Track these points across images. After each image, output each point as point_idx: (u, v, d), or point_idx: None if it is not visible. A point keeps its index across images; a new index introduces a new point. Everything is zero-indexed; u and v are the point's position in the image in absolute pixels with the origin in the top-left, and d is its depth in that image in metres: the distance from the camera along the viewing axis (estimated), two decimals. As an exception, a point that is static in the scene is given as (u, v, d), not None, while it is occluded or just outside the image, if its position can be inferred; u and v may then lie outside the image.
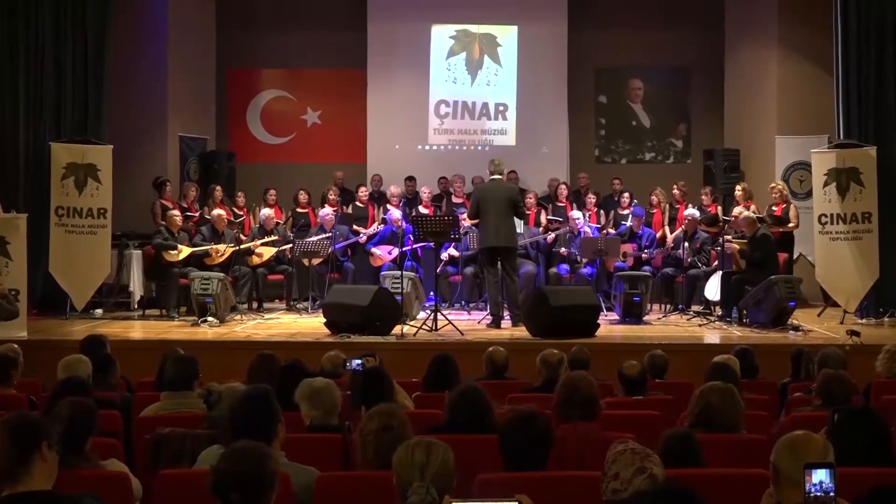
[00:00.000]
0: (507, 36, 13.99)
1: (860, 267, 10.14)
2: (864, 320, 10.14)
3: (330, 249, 11.11)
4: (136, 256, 11.16)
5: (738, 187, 11.41)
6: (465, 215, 11.45)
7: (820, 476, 2.75)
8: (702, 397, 4.23)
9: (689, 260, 10.82)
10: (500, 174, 9.86)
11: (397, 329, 8.95)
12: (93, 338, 6.51)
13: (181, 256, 10.55)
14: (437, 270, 10.83)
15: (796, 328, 9.26)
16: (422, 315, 9.93)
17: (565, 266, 11.32)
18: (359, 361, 5.14)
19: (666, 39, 14.05)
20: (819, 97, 11.78)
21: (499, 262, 9.67)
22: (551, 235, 11.44)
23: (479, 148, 13.95)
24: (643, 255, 11.28)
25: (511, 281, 9.66)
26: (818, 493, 2.74)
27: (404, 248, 10.72)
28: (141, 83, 12.38)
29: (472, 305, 11.27)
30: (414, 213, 11.47)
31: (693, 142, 14.20)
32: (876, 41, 10.49)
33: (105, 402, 4.77)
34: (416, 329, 9.06)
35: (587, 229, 11.43)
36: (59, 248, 10.28)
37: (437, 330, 9.02)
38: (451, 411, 4.30)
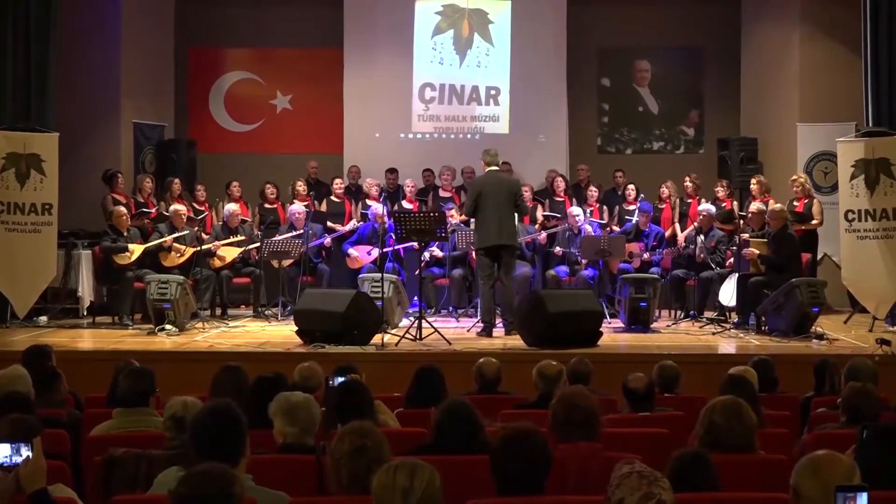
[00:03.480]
0: (499, 12, 13.99)
1: (891, 268, 10.18)
2: (895, 328, 10.19)
3: (302, 249, 11.10)
4: (85, 257, 11.12)
5: (752, 180, 11.46)
6: (452, 211, 11.41)
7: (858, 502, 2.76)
8: (706, 415, 4.28)
9: (701, 256, 10.82)
10: (497, 165, 9.88)
11: (377, 338, 8.96)
12: (36, 348, 6.48)
13: (134, 257, 10.53)
14: (417, 273, 10.75)
15: (820, 336, 9.30)
16: (405, 322, 9.93)
17: (564, 268, 11.34)
18: (342, 379, 5.10)
19: (676, 16, 14.10)
20: (846, 80, 11.83)
21: (495, 264, 9.70)
22: (543, 235, 11.40)
23: (469, 136, 13.95)
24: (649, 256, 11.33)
25: (506, 283, 9.69)
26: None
27: (386, 249, 10.70)
28: (91, 63, 12.34)
29: (460, 312, 11.28)
30: (396, 210, 11.47)
31: (706, 130, 14.25)
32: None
33: (50, 421, 4.75)
34: (398, 338, 9.07)
35: (588, 227, 11.44)
36: (-2, 248, 10.27)
37: (421, 339, 9.03)
38: (437, 430, 4.32)
